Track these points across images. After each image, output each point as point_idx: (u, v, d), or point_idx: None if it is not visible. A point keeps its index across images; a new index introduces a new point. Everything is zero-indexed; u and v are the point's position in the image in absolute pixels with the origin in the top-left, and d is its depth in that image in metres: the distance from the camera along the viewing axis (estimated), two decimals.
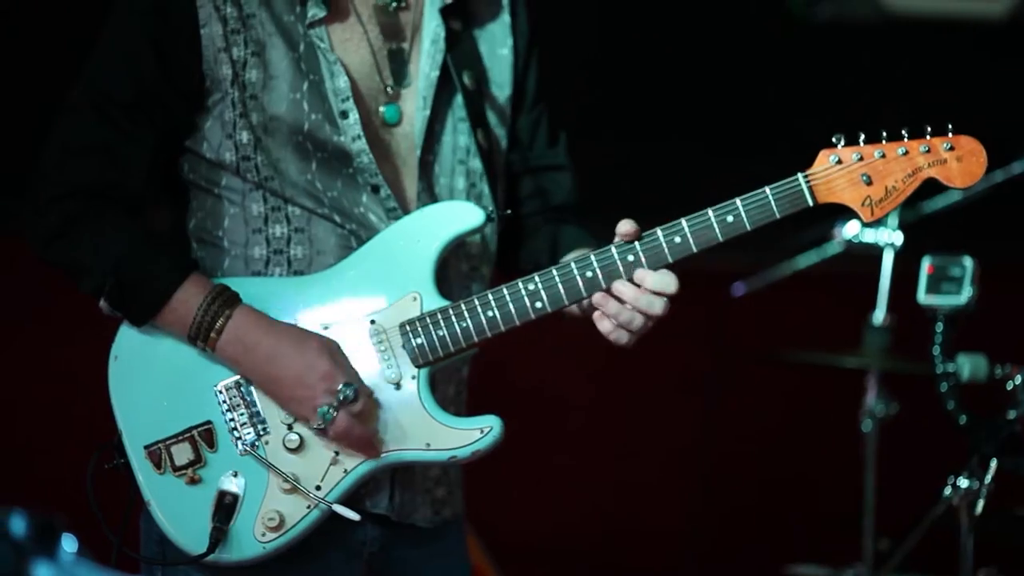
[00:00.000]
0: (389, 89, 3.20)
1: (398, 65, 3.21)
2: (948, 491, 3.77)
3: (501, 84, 3.32)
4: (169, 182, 3.22)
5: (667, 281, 3.06)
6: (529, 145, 3.38)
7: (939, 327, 3.93)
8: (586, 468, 6.54)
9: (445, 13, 3.24)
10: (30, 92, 5.43)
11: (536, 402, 6.40)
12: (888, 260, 5.34)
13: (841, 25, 6.64)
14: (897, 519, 5.12)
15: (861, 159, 3.05)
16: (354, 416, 3.04)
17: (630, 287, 3.06)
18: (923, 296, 3.94)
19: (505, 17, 3.33)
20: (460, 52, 3.25)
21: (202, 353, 3.09)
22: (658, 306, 3.06)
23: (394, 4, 3.22)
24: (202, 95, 3.13)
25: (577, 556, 6.50)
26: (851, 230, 5.29)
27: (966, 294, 3.90)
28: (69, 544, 1.90)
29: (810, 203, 3.04)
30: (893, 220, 5.27)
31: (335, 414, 3.03)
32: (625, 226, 3.06)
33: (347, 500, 3.09)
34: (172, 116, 3.14)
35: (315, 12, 3.15)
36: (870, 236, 5.30)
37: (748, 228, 3.04)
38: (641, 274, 3.05)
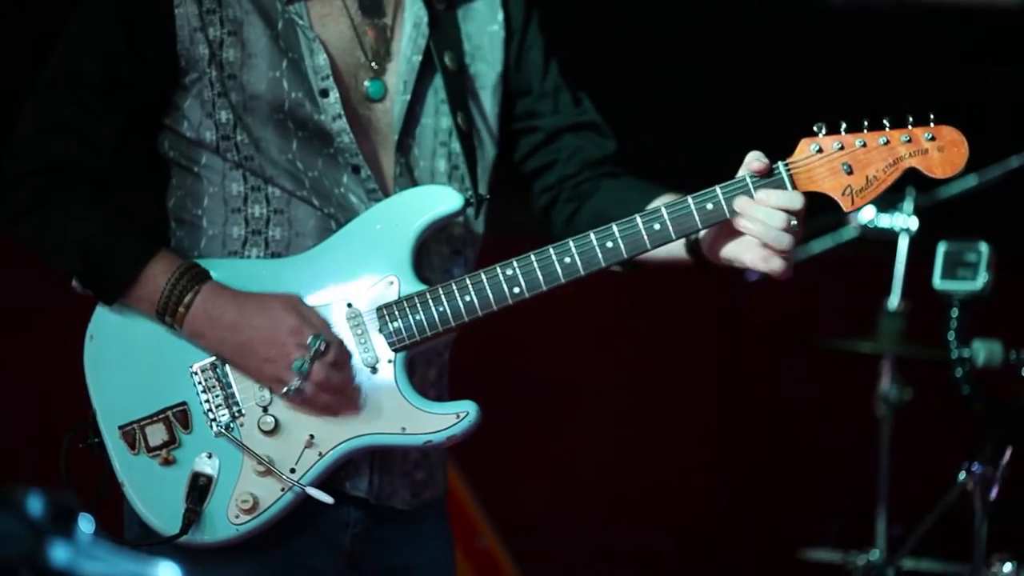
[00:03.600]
0: (374, 64, 3.19)
1: (380, 42, 3.21)
2: (962, 476, 3.77)
3: (492, 62, 3.29)
4: (149, 160, 3.22)
5: (788, 198, 3.02)
6: (555, 110, 3.35)
7: (954, 312, 3.93)
8: (599, 452, 6.54)
9: None
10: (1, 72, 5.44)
11: (549, 385, 6.40)
12: (903, 245, 5.33)
13: (856, 11, 6.62)
14: (911, 504, 5.12)
15: (842, 148, 3.04)
16: (330, 366, 3.04)
17: (759, 205, 3.01)
18: (938, 281, 3.94)
19: None
20: (442, 33, 3.23)
21: (175, 333, 3.08)
22: (779, 220, 3.01)
23: None
24: (177, 74, 3.13)
25: (590, 539, 6.50)
26: (866, 215, 5.28)
27: (981, 279, 3.90)
28: (86, 524, 1.91)
29: (790, 191, 3.03)
30: (908, 205, 5.26)
31: (309, 366, 3.02)
32: (756, 162, 3.03)
33: (326, 483, 3.09)
34: (143, 96, 3.14)
35: None
36: (885, 221, 5.29)
37: (727, 216, 3.04)
38: (764, 195, 3.02)
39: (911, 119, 3.02)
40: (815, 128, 3.04)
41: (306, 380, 3.03)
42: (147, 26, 3.12)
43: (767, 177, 3.03)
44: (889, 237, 5.32)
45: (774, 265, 3.06)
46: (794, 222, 3.02)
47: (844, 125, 3.04)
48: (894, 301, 5.39)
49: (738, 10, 6.62)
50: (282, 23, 3.14)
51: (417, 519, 3.26)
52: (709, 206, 3.04)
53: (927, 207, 5.30)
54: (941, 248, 3.95)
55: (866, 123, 3.03)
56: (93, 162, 3.13)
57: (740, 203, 3.02)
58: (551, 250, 3.07)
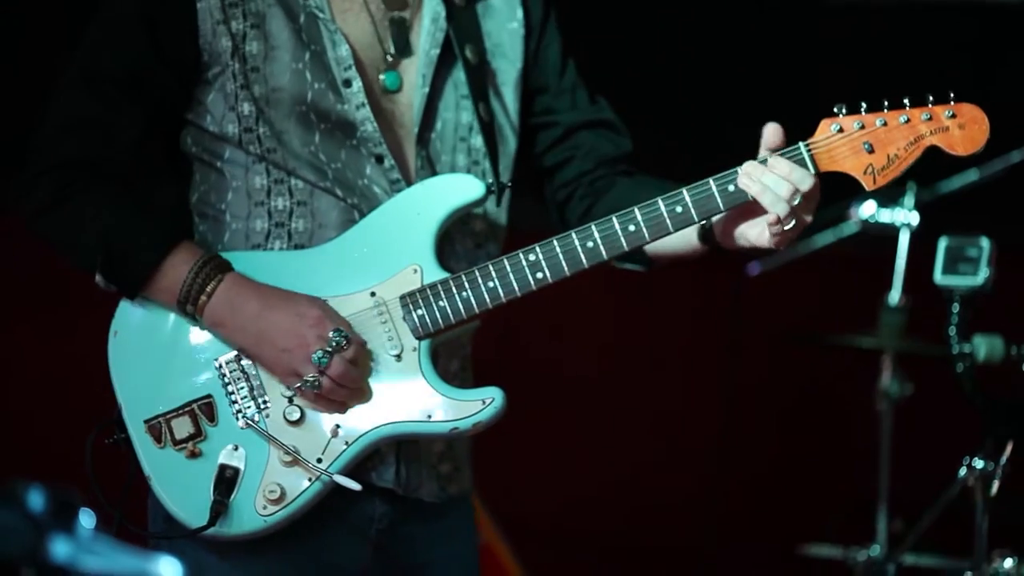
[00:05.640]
0: (389, 57, 3.20)
1: (399, 35, 3.21)
2: (963, 472, 3.77)
3: (512, 59, 3.31)
4: (172, 156, 3.23)
5: (799, 175, 3.01)
6: (572, 106, 3.37)
7: (955, 308, 3.93)
8: (601, 446, 6.54)
9: None
10: (27, 67, 5.44)
11: (551, 378, 6.41)
12: (904, 240, 5.33)
13: (857, 6, 6.62)
14: (912, 500, 5.12)
15: (863, 127, 3.04)
16: (348, 362, 3.04)
17: (764, 168, 3.01)
18: (939, 276, 3.94)
19: None
20: (462, 26, 3.25)
21: (198, 324, 3.09)
22: (784, 189, 3.00)
23: None
24: (199, 69, 3.14)
25: (592, 533, 6.51)
26: (867, 210, 5.28)
27: (983, 275, 3.89)
28: (87, 520, 1.91)
29: (811, 171, 3.03)
30: (909, 200, 5.26)
31: (328, 359, 3.02)
32: (773, 136, 3.04)
33: (351, 473, 3.09)
34: (165, 91, 3.15)
35: None
36: (886, 216, 5.29)
37: (749, 199, 3.03)
38: (775, 161, 3.02)
39: (931, 97, 3.03)
40: (835, 108, 3.05)
41: (323, 374, 3.03)
42: (169, 21, 3.13)
43: (786, 156, 3.03)
44: (890, 232, 5.32)
45: (769, 237, 3.05)
46: (798, 199, 3.01)
47: (864, 105, 3.04)
48: (895, 296, 5.39)
49: (738, 9, 6.62)
50: (304, 16, 3.15)
51: (443, 514, 3.27)
52: (731, 188, 3.05)
53: (928, 202, 5.30)
54: (942, 243, 3.95)
55: (886, 102, 3.03)
56: (115, 157, 3.14)
57: (749, 166, 3.03)
58: (573, 235, 3.08)
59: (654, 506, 6.52)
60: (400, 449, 3.17)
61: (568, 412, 6.50)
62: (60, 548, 1.85)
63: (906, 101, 3.03)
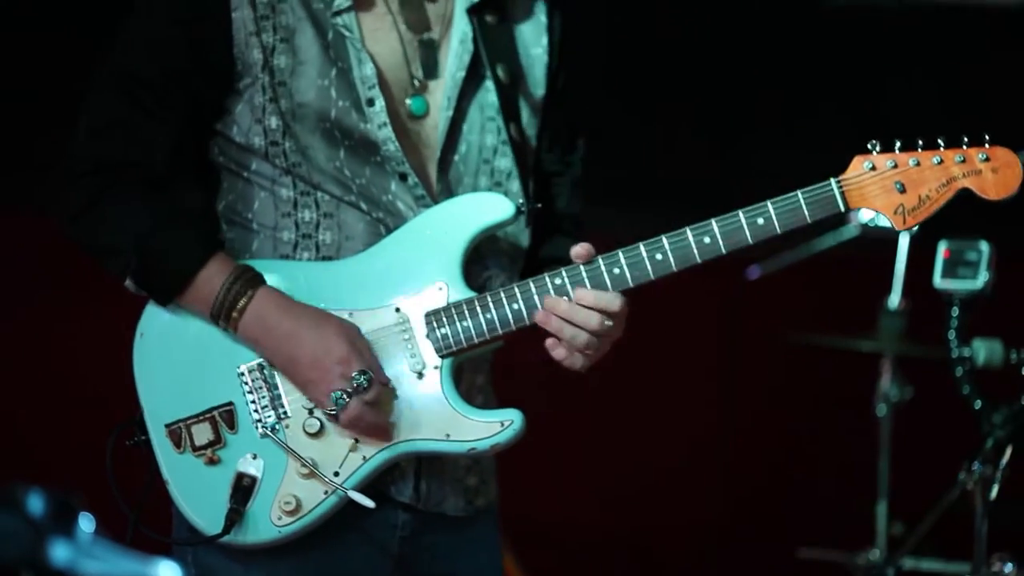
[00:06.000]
0: (416, 81, 3.19)
1: (428, 57, 3.20)
2: (963, 476, 3.77)
3: (535, 83, 3.29)
4: (201, 162, 3.22)
5: (608, 299, 3.06)
6: (549, 147, 3.35)
7: (955, 311, 3.92)
8: (601, 448, 6.54)
9: (477, 9, 3.22)
10: (59, 70, 5.44)
11: (551, 379, 6.40)
12: (904, 244, 5.34)
13: (858, 9, 6.62)
14: (911, 503, 5.12)
15: (895, 166, 3.03)
16: (366, 404, 3.04)
17: (563, 301, 3.06)
18: (939, 280, 3.94)
19: (540, 17, 3.31)
20: (495, 45, 3.23)
21: (226, 334, 3.09)
22: (593, 321, 3.05)
23: None
24: (232, 78, 3.13)
25: (591, 533, 6.51)
26: (867, 214, 5.27)
27: (982, 278, 3.90)
28: (86, 523, 1.91)
29: (842, 208, 3.04)
30: None
31: (347, 400, 3.03)
32: (578, 249, 3.06)
33: (371, 487, 3.08)
34: (199, 97, 3.15)
35: (341, 1, 3.14)
36: (885, 220, 5.28)
37: (778, 231, 3.04)
38: (580, 293, 3.06)
39: (966, 139, 3.01)
40: (868, 146, 3.03)
41: (342, 411, 3.03)
42: (205, 28, 3.12)
43: (817, 193, 3.03)
44: (890, 235, 5.31)
45: (574, 362, 3.13)
46: (608, 322, 3.06)
47: (898, 144, 3.03)
48: (895, 300, 5.39)
49: (737, 9, 6.62)
50: (332, 33, 3.14)
51: (467, 525, 3.26)
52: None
53: None
54: (942, 247, 3.95)
55: (920, 142, 3.02)
56: (149, 161, 3.13)
57: (549, 302, 3.06)
58: (600, 261, 3.08)
59: (653, 508, 6.51)
60: (420, 464, 3.17)
61: (568, 413, 6.49)
62: (59, 552, 1.85)
63: (940, 142, 3.01)
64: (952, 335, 3.91)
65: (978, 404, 3.88)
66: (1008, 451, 3.74)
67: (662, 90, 6.50)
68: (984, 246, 3.90)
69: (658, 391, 6.56)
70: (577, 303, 3.05)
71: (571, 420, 6.50)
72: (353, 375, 3.02)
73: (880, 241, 5.34)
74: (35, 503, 1.85)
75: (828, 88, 6.40)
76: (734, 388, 6.51)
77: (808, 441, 6.51)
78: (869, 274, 5.53)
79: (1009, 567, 3.75)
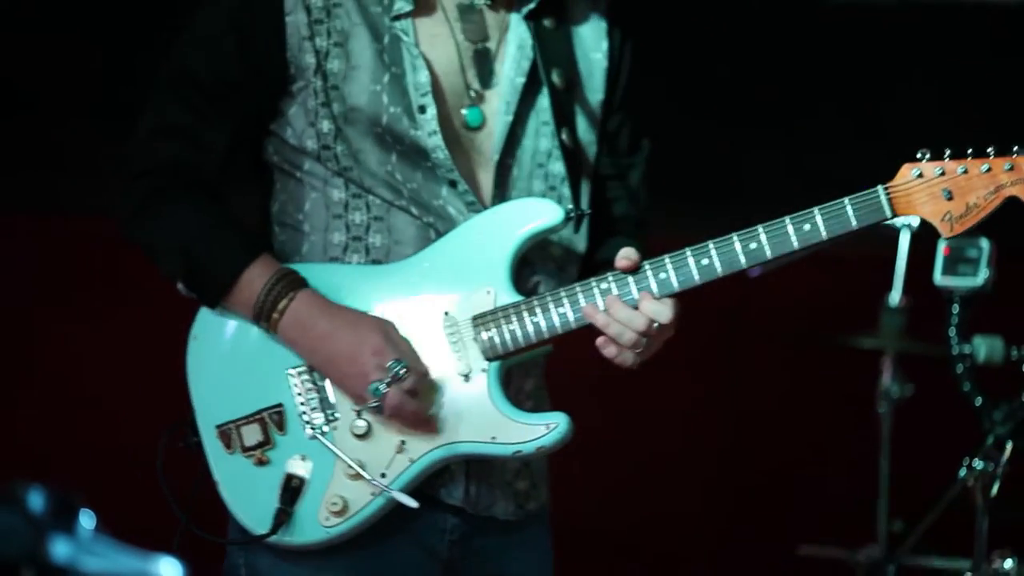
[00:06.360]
0: (472, 92, 3.19)
1: (484, 66, 3.21)
2: (963, 473, 3.77)
3: (594, 88, 3.29)
4: (255, 165, 3.25)
5: (655, 308, 3.12)
6: (611, 150, 3.35)
7: (955, 309, 3.93)
8: (601, 447, 6.54)
9: (535, 14, 3.22)
10: (58, 70, 5.45)
11: (551, 379, 6.40)
12: (905, 241, 5.33)
13: (857, 7, 6.62)
14: (912, 500, 5.12)
15: (943, 174, 3.03)
16: (406, 393, 3.04)
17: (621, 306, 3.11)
18: (939, 277, 3.94)
19: (601, 21, 3.31)
20: (551, 50, 3.23)
21: (273, 336, 3.11)
22: (639, 322, 3.10)
23: (480, 2, 3.21)
24: (286, 81, 3.15)
25: (591, 533, 6.50)
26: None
27: (983, 276, 3.90)
28: (87, 520, 1.92)
29: (888, 215, 3.05)
30: None
31: (385, 389, 3.03)
32: (622, 261, 3.10)
33: (421, 489, 3.09)
34: (253, 102, 3.16)
35: (401, 5, 3.15)
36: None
37: (824, 238, 3.07)
38: (643, 298, 3.11)
39: (1016, 148, 3.01)
40: (918, 155, 3.04)
41: (381, 402, 3.04)
42: (259, 33, 3.13)
43: (864, 200, 3.04)
44: (890, 233, 5.32)
45: (625, 359, 3.19)
46: (656, 325, 3.11)
47: (948, 152, 3.03)
48: (895, 297, 5.39)
49: (737, 9, 6.62)
50: (388, 37, 3.15)
51: (518, 528, 3.26)
52: (806, 228, 3.09)
53: None
54: (942, 244, 3.95)
55: (969, 151, 3.02)
56: (203, 164, 3.15)
57: (607, 301, 3.10)
58: (647, 266, 3.10)
59: (654, 506, 6.51)
60: (470, 467, 3.17)
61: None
62: (60, 549, 1.86)
63: (990, 151, 3.01)
64: (953, 332, 3.92)
65: (979, 401, 3.89)
66: (1008, 448, 3.74)
67: (662, 90, 6.50)
68: (984, 243, 3.91)
69: (659, 388, 6.55)
70: (614, 315, 3.10)
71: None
72: (389, 364, 3.03)
73: (881, 238, 5.34)
74: (35, 500, 1.86)
75: (828, 88, 6.40)
76: (735, 385, 6.51)
77: (809, 438, 6.51)
78: (870, 271, 5.52)
79: (1010, 564, 3.76)
